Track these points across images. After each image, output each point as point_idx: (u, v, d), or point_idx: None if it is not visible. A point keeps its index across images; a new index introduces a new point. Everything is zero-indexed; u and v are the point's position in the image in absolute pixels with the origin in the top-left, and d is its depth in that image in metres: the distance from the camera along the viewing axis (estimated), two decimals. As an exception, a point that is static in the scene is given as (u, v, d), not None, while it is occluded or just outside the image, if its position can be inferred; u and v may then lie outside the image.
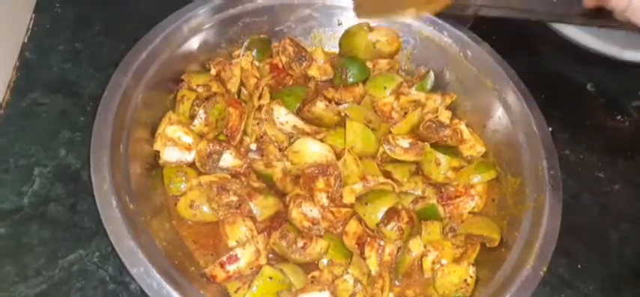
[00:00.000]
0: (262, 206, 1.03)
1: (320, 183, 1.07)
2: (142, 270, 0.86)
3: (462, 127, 1.22)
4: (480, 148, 1.20)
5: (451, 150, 1.18)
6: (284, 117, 1.12)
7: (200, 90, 1.15)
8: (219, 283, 0.97)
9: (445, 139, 1.18)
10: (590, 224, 1.21)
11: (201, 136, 1.09)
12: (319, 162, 1.09)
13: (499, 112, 1.19)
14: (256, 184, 1.07)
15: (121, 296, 0.98)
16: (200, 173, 1.08)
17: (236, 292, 0.95)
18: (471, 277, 1.01)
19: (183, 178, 1.06)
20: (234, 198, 1.02)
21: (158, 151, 1.08)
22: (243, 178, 1.08)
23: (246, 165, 1.10)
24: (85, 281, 0.98)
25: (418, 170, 1.17)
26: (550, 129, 1.13)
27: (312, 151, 1.09)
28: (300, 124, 1.12)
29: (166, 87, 1.15)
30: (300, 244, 1.00)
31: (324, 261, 1.02)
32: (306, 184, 1.08)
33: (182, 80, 1.17)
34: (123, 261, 0.86)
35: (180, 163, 1.08)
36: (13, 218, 1.02)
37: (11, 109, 1.16)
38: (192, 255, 1.01)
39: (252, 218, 1.03)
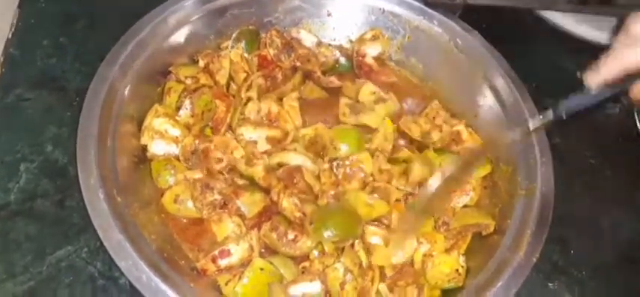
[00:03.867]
0: (250, 203, 1.02)
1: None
2: (131, 263, 0.84)
3: (461, 128, 1.20)
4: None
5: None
6: (251, 133, 1.09)
7: (188, 82, 1.14)
8: (210, 277, 0.96)
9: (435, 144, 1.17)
10: (582, 211, 1.21)
11: (187, 127, 1.08)
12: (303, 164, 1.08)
13: (490, 101, 1.19)
14: (241, 182, 1.06)
15: (110, 291, 0.96)
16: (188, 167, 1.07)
17: (226, 284, 0.94)
18: (462, 266, 1.01)
19: (172, 171, 1.05)
20: (219, 197, 1.01)
21: (145, 145, 1.06)
22: (227, 175, 1.06)
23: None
24: (74, 277, 0.97)
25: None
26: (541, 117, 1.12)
27: (295, 161, 1.08)
28: (272, 133, 1.10)
29: (154, 79, 1.14)
30: (291, 236, 0.99)
31: (315, 252, 1.00)
32: (289, 177, 1.06)
33: (170, 72, 1.16)
34: (111, 254, 0.85)
35: (167, 156, 1.07)
36: (-1, 215, 1.01)
37: (-4, 105, 1.14)
38: (181, 248, 1.00)
39: (241, 216, 1.02)
